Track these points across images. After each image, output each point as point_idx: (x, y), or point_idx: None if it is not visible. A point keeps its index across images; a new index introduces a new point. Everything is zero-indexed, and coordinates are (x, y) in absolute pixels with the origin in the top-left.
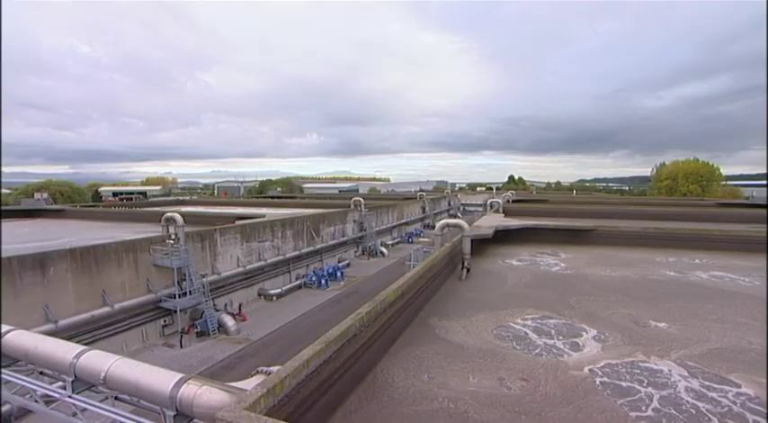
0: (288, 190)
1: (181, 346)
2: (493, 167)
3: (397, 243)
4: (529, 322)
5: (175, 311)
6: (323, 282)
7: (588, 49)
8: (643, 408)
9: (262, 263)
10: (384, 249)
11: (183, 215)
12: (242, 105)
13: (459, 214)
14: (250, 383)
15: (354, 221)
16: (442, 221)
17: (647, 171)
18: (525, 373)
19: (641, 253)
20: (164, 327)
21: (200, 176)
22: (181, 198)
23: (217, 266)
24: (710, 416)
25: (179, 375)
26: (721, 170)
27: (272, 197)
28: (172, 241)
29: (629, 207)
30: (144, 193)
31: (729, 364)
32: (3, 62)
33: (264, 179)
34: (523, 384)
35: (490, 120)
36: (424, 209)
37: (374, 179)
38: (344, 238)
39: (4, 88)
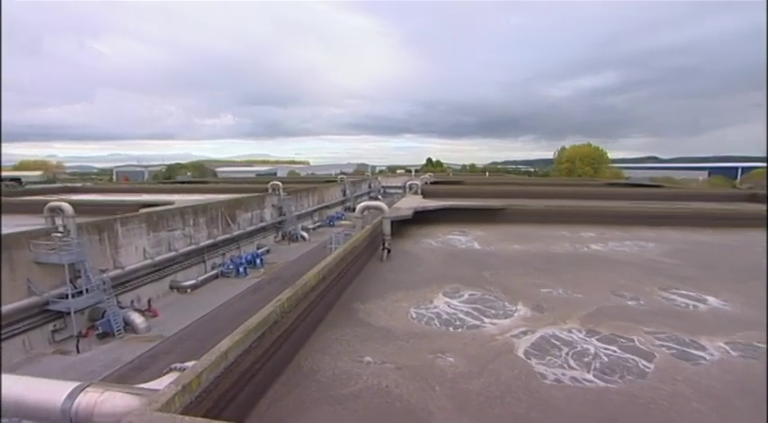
0: (199, 174)
1: (78, 352)
2: (412, 150)
3: (319, 227)
4: (448, 298)
5: (68, 313)
6: (241, 270)
7: (501, 40)
8: (552, 366)
9: (172, 253)
10: (305, 234)
11: (74, 204)
12: (145, 81)
13: (379, 197)
14: (163, 383)
15: (273, 206)
16: (362, 204)
17: (550, 154)
18: (444, 347)
19: (545, 229)
20: (53, 332)
21: (95, 160)
22: (70, 185)
23: (119, 260)
24: (607, 362)
25: (74, 384)
26: (608, 154)
27: (182, 182)
28: (60, 234)
29: (535, 187)
30: (18, 180)
31: (618, 320)
32: None
33: (173, 163)
34: (442, 357)
35: (410, 103)
36: (344, 192)
37: (293, 162)
38: (263, 224)
39: None
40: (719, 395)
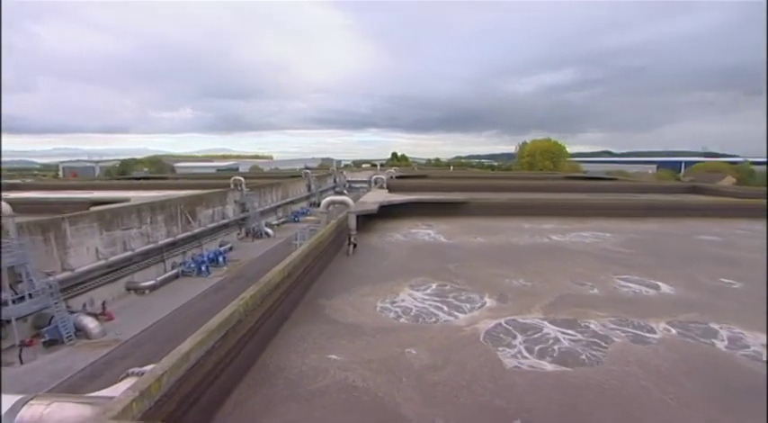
0: (157, 170)
1: (21, 362)
2: (377, 144)
3: (283, 223)
4: (414, 291)
5: (8, 321)
6: (203, 268)
7: (466, 36)
8: (516, 354)
9: (128, 253)
10: (269, 230)
11: (13, 202)
12: (96, 71)
13: (345, 191)
14: (119, 389)
15: (235, 202)
16: (328, 199)
17: (512, 149)
18: (411, 340)
19: (508, 221)
20: None
21: (38, 155)
22: (10, 181)
23: (68, 261)
24: (567, 348)
25: (15, 397)
26: (567, 149)
27: (138, 179)
28: None
29: (497, 181)
30: None
31: (577, 307)
32: None
33: (128, 158)
34: (409, 350)
35: (375, 97)
36: (309, 187)
37: (256, 157)
38: (225, 221)
39: None
40: (666, 374)
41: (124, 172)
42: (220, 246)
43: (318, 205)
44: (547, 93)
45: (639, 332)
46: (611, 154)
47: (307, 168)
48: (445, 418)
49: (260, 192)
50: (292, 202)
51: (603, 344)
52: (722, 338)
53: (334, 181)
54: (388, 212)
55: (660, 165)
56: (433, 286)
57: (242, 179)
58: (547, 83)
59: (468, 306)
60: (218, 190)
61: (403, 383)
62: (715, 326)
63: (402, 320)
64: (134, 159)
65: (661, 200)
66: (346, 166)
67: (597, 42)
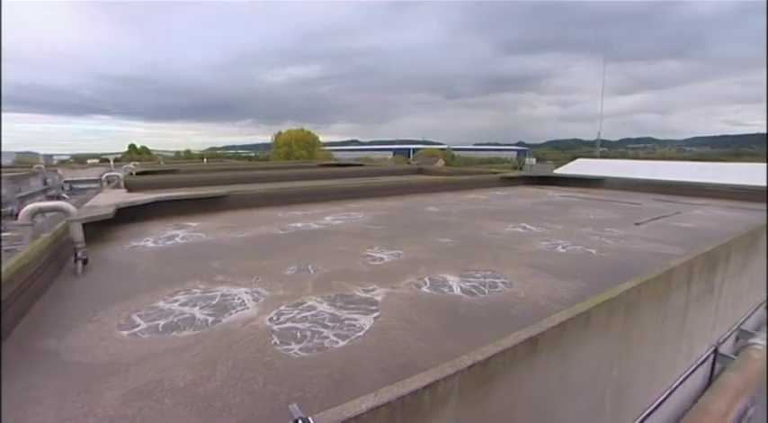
0: None
1: None
2: (109, 135)
3: None
4: (174, 301)
5: None
6: None
7: (211, 17)
8: (294, 339)
9: None
10: None
11: None
12: None
13: (64, 194)
14: None
15: None
16: (32, 206)
17: (269, 138)
18: (174, 357)
19: (270, 211)
20: None
21: None
22: None
23: None
24: (338, 319)
25: None
26: (320, 138)
27: None
28: None
29: (257, 171)
30: None
31: (343, 281)
32: None
33: None
34: (172, 368)
35: (102, 77)
36: None
37: None
38: None
39: None
40: (418, 320)
41: None
42: None
43: (17, 217)
44: (299, 85)
45: (394, 292)
46: (358, 142)
47: None
48: (222, 422)
49: None
50: None
51: (367, 310)
52: (447, 284)
53: (45, 182)
54: (130, 216)
55: (395, 151)
56: (197, 290)
57: None
58: (298, 75)
59: (239, 303)
60: None
61: (167, 405)
62: (442, 276)
63: (161, 337)
64: None
65: (398, 181)
66: (63, 161)
67: (339, 42)
